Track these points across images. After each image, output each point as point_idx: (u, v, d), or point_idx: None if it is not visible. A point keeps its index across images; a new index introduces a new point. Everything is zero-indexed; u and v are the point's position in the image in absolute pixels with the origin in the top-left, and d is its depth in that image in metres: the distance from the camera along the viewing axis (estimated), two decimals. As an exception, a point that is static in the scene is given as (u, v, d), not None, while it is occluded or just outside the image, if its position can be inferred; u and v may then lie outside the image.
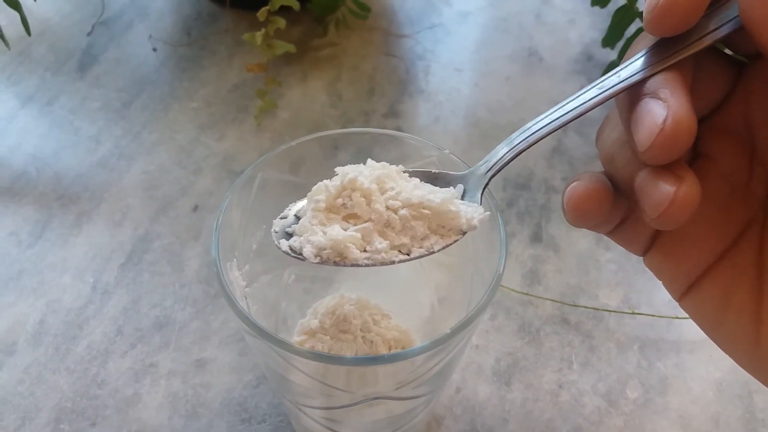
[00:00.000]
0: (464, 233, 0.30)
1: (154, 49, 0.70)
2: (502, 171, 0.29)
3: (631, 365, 0.47)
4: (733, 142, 0.25)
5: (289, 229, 0.32)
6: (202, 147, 0.60)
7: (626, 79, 0.24)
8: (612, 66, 0.59)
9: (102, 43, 0.71)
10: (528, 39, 0.72)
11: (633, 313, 0.49)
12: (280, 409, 0.45)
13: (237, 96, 0.65)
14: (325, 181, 0.32)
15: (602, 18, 0.73)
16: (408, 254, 0.31)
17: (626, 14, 0.56)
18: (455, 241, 0.30)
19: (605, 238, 0.54)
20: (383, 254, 0.30)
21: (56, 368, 0.47)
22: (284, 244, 0.31)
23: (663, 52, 0.23)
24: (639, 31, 0.56)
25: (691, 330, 0.49)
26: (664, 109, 0.21)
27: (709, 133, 0.26)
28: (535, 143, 0.27)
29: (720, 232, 0.26)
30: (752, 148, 0.25)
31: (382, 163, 0.32)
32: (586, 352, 0.48)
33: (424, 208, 0.30)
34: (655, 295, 0.51)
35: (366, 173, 0.31)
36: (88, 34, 0.71)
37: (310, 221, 0.31)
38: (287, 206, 0.33)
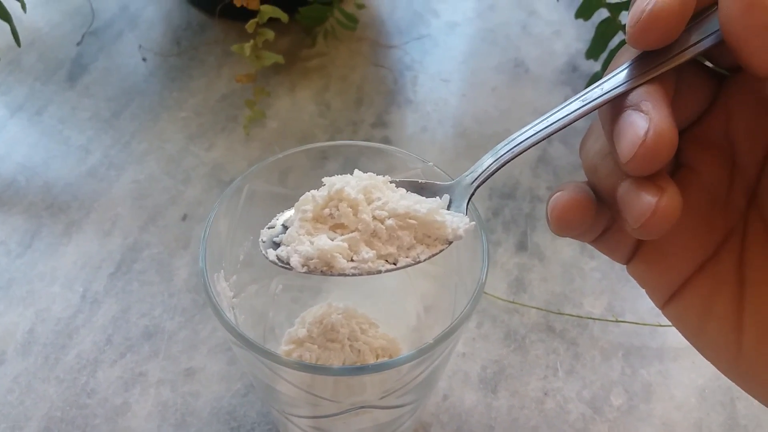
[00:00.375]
0: (450, 243, 0.31)
1: (144, 59, 0.70)
2: (487, 181, 0.30)
3: (615, 372, 0.48)
4: (715, 153, 0.26)
5: (276, 239, 0.32)
6: (191, 156, 0.61)
7: (609, 91, 0.24)
8: (596, 77, 0.60)
9: (92, 53, 0.71)
10: (514, 50, 0.73)
11: (617, 321, 0.50)
12: (269, 417, 0.45)
13: (226, 106, 0.65)
14: (312, 191, 0.32)
15: (587, 29, 0.74)
16: (395, 263, 0.31)
17: (609, 26, 0.57)
18: (441, 251, 0.31)
19: (589, 246, 0.55)
20: (370, 264, 0.30)
21: (46, 377, 0.47)
22: (271, 254, 0.31)
23: (645, 65, 0.24)
24: (622, 43, 0.57)
25: (674, 337, 0.49)
26: (646, 122, 0.22)
27: (690, 145, 0.26)
28: (520, 154, 0.28)
29: (701, 242, 0.26)
30: (733, 159, 0.25)
31: (368, 173, 0.33)
32: (570, 360, 0.48)
33: (410, 218, 0.31)
34: (639, 303, 0.52)
35: (353, 183, 0.31)
36: (78, 43, 0.72)
37: (297, 231, 0.31)
38: (275, 216, 0.34)
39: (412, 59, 0.71)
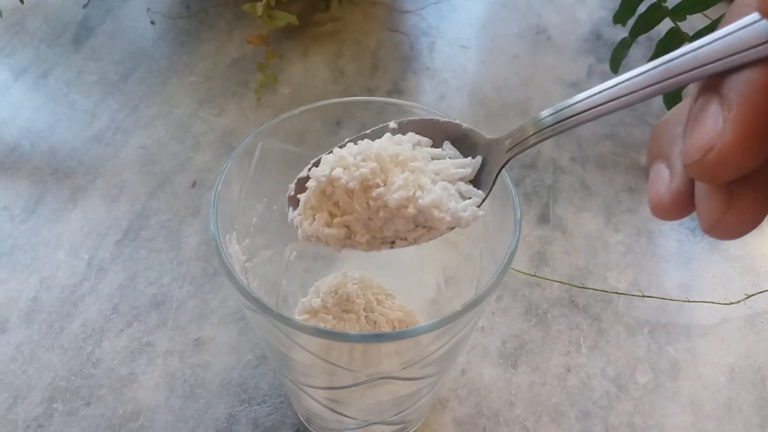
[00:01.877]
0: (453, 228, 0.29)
1: (152, 22, 0.68)
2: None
3: (640, 349, 0.46)
4: None
5: (299, 196, 0.30)
6: (201, 122, 0.59)
7: (703, 65, 0.19)
8: (624, 44, 0.57)
9: (98, 16, 0.69)
10: (536, 17, 0.70)
11: (643, 296, 0.48)
12: (281, 389, 0.43)
13: (236, 70, 0.63)
14: (326, 156, 0.30)
15: (611, -4, 0.71)
16: (392, 244, 0.29)
17: (639, -10, 0.55)
18: (441, 234, 0.29)
19: (614, 219, 0.53)
20: (366, 245, 0.29)
21: (50, 346, 0.45)
22: (291, 214, 0.30)
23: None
24: (651, 8, 0.55)
25: (702, 314, 0.47)
26: (718, 125, 0.18)
27: None
28: (571, 128, 0.24)
29: None
30: None
31: (383, 139, 0.30)
32: (594, 335, 0.46)
33: (406, 210, 0.28)
34: (665, 278, 0.50)
35: (351, 164, 0.29)
36: (84, 6, 0.69)
37: (303, 204, 0.30)
38: (289, 178, 0.32)
39: (429, 25, 0.69)
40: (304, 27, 0.67)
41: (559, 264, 0.50)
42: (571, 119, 0.23)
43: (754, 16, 0.18)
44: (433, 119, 0.31)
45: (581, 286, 0.49)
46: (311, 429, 0.42)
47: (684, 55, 0.19)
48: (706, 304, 0.48)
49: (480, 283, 0.36)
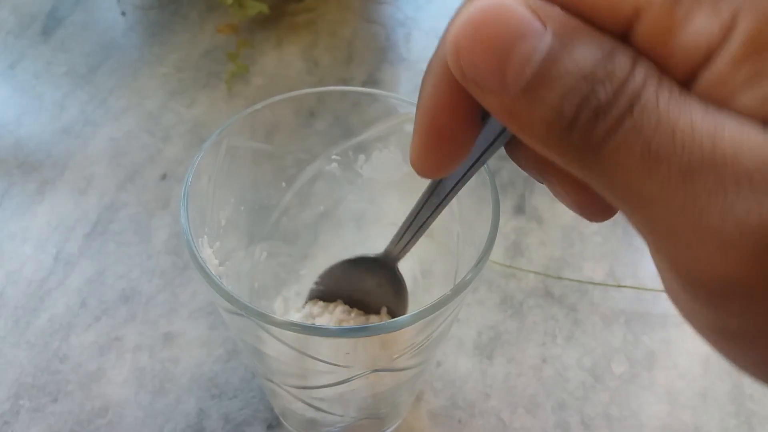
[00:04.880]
0: None
1: (123, 13, 0.67)
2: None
3: (616, 339, 0.46)
4: None
5: None
6: (172, 114, 0.58)
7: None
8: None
9: (68, 7, 0.67)
10: (511, 7, 0.70)
11: (618, 286, 0.48)
12: (252, 384, 0.43)
13: (208, 62, 0.62)
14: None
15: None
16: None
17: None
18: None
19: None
20: None
21: (16, 342, 0.44)
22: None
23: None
24: None
25: (677, 303, 0.47)
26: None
27: None
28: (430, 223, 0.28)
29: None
30: None
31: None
32: (570, 326, 0.46)
33: None
34: (641, 268, 0.49)
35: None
36: (53, -4, 0.68)
37: None
38: (258, 177, 0.32)
39: (405, 15, 0.68)
40: (278, 17, 0.66)
41: (535, 255, 0.50)
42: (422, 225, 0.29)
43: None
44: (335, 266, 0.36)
45: (557, 276, 0.48)
46: (286, 424, 0.41)
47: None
48: (681, 294, 0.48)
49: (458, 274, 0.35)
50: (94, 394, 0.42)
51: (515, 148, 0.21)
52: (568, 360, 0.45)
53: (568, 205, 0.22)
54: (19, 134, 0.56)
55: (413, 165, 0.20)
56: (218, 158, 0.34)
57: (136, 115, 0.57)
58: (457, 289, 0.28)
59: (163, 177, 0.53)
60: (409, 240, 0.30)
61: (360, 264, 0.35)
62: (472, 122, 0.19)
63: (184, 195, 0.30)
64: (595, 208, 0.21)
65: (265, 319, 0.27)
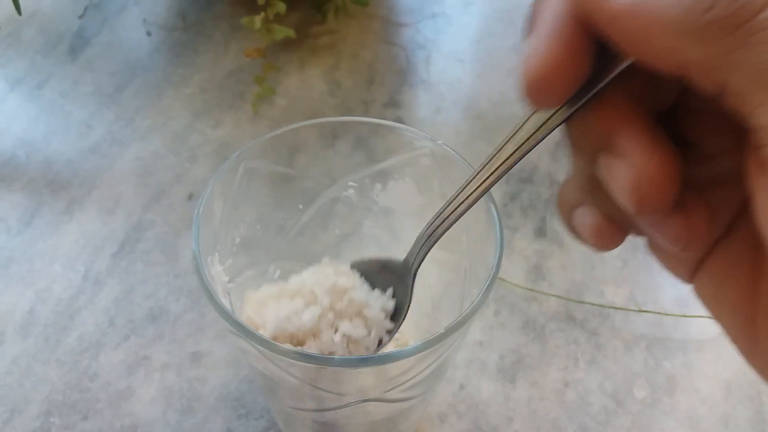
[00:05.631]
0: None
1: (149, 33, 0.68)
2: None
3: (638, 364, 0.46)
4: (712, 120, 0.21)
5: None
6: (197, 134, 0.59)
7: (543, 125, 0.22)
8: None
9: (94, 26, 0.69)
10: (530, 30, 0.70)
11: (640, 311, 0.48)
12: (279, 404, 0.43)
13: (233, 82, 0.63)
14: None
15: (606, 11, 0.72)
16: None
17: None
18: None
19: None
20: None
21: (46, 359, 0.45)
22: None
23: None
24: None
25: (698, 328, 0.48)
26: (629, 171, 0.19)
27: (684, 116, 0.22)
28: (453, 223, 0.28)
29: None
30: (735, 126, 0.20)
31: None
32: (592, 350, 0.47)
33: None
34: (661, 292, 0.50)
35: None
36: (80, 16, 0.69)
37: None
38: (275, 197, 0.33)
39: (425, 38, 0.69)
40: (300, 39, 0.67)
41: (557, 278, 0.50)
42: (444, 223, 0.28)
43: None
44: (359, 261, 0.35)
45: (578, 300, 0.49)
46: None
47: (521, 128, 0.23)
48: (701, 319, 0.48)
49: (465, 300, 0.36)
50: (123, 413, 0.43)
51: (580, 123, 0.21)
52: (590, 384, 0.45)
53: (584, 236, 0.23)
54: (47, 153, 0.57)
55: (529, 89, 0.19)
56: (235, 180, 0.35)
57: (162, 135, 0.58)
58: (451, 329, 0.29)
59: (190, 197, 0.54)
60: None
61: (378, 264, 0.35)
62: (587, 55, 0.19)
63: (197, 218, 0.32)
64: (613, 230, 0.22)
65: (259, 341, 0.28)
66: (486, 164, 0.24)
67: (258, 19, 0.55)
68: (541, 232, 0.53)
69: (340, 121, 0.38)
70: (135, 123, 0.60)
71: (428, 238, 0.29)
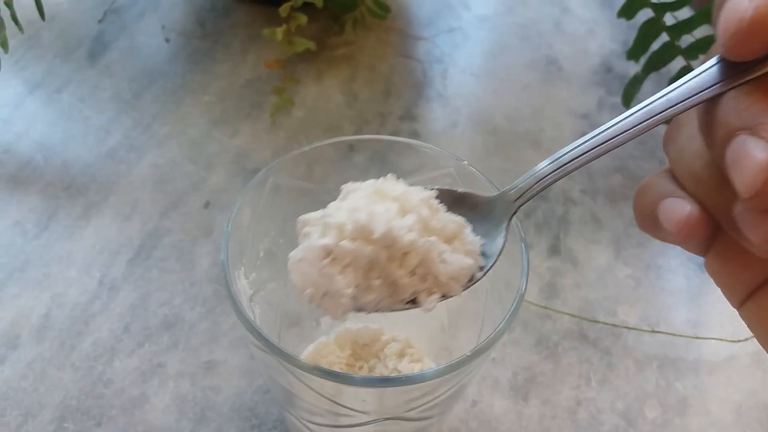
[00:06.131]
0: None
1: (167, 40, 0.68)
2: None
3: (649, 384, 0.46)
4: None
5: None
6: (215, 143, 0.59)
7: (699, 92, 0.21)
8: (636, 79, 0.58)
9: (113, 32, 0.69)
10: (547, 47, 0.71)
11: (653, 331, 0.48)
12: (292, 416, 0.43)
13: (251, 92, 0.64)
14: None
15: (622, 29, 0.72)
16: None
17: (653, 27, 0.56)
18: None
19: (624, 253, 0.53)
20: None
21: (61, 364, 0.45)
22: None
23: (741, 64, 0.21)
24: (665, 46, 0.56)
25: (710, 350, 0.48)
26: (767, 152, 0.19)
27: None
28: (573, 171, 0.25)
29: None
30: None
31: (400, 192, 0.29)
32: (604, 369, 0.47)
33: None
34: (674, 313, 0.50)
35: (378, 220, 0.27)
36: (100, 21, 0.70)
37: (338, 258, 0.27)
38: (297, 212, 0.31)
39: (442, 52, 0.70)
40: (318, 50, 0.67)
41: (570, 296, 0.50)
42: (570, 164, 0.25)
43: (712, 60, 0.21)
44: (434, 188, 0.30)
45: (592, 319, 0.49)
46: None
47: (662, 97, 0.22)
48: (713, 341, 0.48)
49: (485, 319, 0.36)
50: (137, 420, 0.43)
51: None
52: (601, 403, 0.45)
53: (670, 226, 0.23)
54: (65, 157, 0.57)
55: (738, 31, 0.19)
56: (263, 194, 0.35)
57: (179, 143, 0.59)
58: (473, 356, 0.29)
59: (206, 205, 0.54)
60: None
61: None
62: None
63: (226, 232, 0.32)
64: (705, 222, 0.22)
65: (288, 360, 0.28)
66: (647, 105, 0.23)
67: (280, 31, 0.56)
68: (555, 250, 0.53)
69: (362, 139, 0.38)
70: (153, 129, 0.60)
71: (556, 171, 0.26)
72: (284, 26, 0.56)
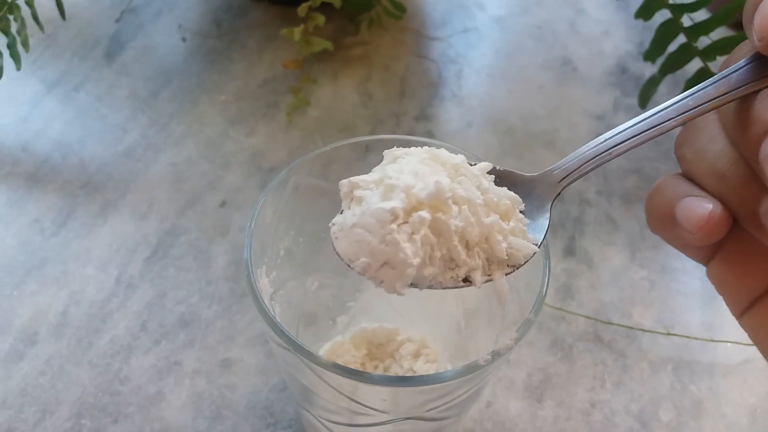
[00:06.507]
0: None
1: (184, 39, 0.69)
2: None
3: (664, 387, 0.46)
4: None
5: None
6: (231, 141, 0.59)
7: (735, 89, 0.22)
8: (653, 81, 0.58)
9: (130, 31, 0.69)
10: (562, 48, 0.71)
11: (668, 334, 0.48)
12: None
13: (267, 91, 0.64)
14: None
15: (637, 30, 0.72)
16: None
17: (670, 28, 0.55)
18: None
19: (639, 255, 0.53)
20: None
21: (78, 361, 0.46)
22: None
23: None
24: (683, 47, 0.55)
25: (725, 353, 0.48)
26: None
27: None
28: (619, 155, 0.25)
29: None
30: None
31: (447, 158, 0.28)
32: (619, 372, 0.47)
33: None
34: (689, 316, 0.50)
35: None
36: (117, 20, 0.70)
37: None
38: (316, 211, 0.31)
39: (457, 52, 0.70)
40: (334, 50, 0.67)
41: (585, 298, 0.50)
42: (616, 147, 0.25)
43: (742, 62, 0.22)
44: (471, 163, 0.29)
45: (607, 321, 0.49)
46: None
47: (711, 84, 0.23)
48: (729, 344, 0.48)
49: (504, 321, 0.36)
50: (153, 417, 0.43)
51: None
52: (616, 405, 0.45)
53: (689, 224, 0.23)
54: (82, 155, 0.58)
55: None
56: (285, 193, 0.35)
57: (196, 142, 0.59)
58: (493, 357, 0.28)
59: (223, 204, 0.54)
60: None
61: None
62: None
63: (249, 230, 0.32)
64: (725, 220, 0.23)
65: (310, 357, 0.28)
66: (698, 91, 0.23)
67: (297, 31, 0.56)
68: (570, 251, 0.53)
69: (380, 139, 0.38)
70: (169, 128, 0.60)
71: (602, 154, 0.26)
72: (302, 26, 0.56)
